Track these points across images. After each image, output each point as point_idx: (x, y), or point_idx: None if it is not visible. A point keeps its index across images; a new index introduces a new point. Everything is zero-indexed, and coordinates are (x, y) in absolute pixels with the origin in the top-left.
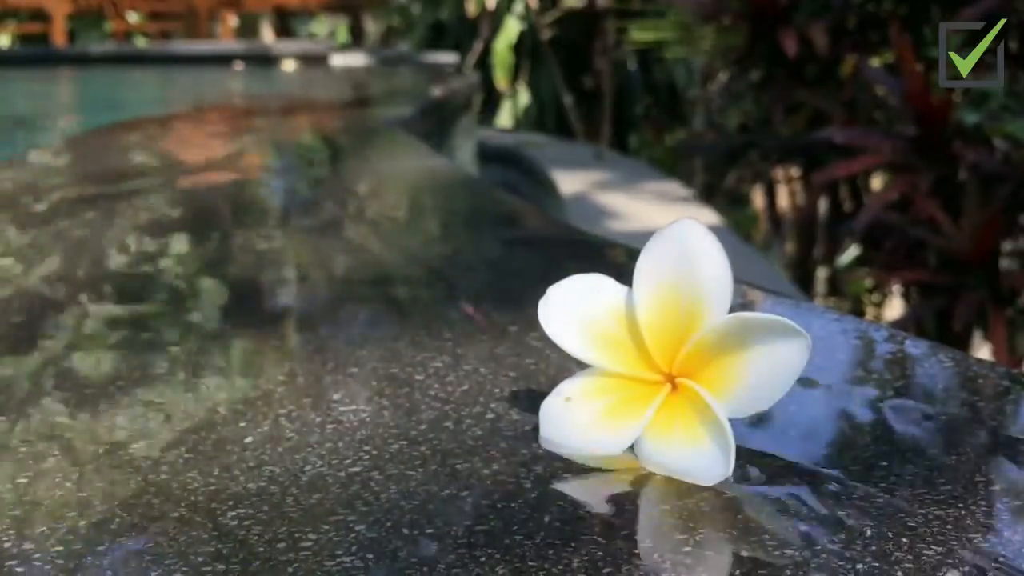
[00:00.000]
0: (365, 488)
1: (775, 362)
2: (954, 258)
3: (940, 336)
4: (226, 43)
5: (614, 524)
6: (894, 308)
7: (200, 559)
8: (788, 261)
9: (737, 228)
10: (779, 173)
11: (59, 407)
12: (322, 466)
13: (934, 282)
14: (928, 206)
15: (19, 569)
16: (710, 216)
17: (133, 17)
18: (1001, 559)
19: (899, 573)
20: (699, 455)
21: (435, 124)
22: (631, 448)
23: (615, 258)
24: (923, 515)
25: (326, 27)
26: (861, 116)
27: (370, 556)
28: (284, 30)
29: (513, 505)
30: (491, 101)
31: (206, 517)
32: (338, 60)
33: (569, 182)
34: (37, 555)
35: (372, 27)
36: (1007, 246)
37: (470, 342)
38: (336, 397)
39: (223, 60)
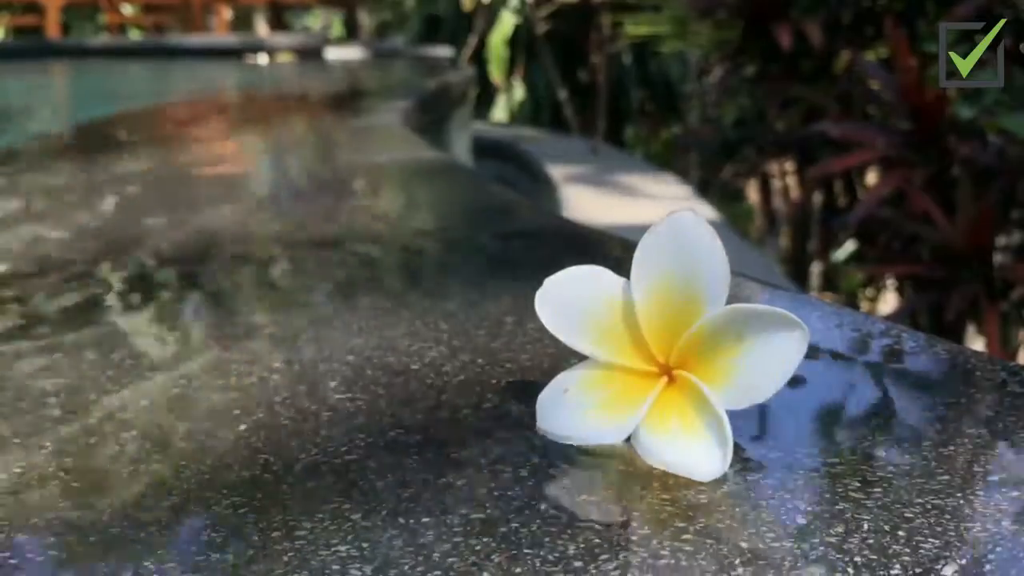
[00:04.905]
0: (361, 476)
1: (772, 353)
2: (948, 252)
3: (934, 330)
4: (221, 37)
5: (611, 513)
6: (888, 303)
7: (193, 548)
8: (783, 256)
9: (732, 223)
10: (774, 168)
11: (48, 397)
12: (317, 454)
13: (928, 276)
14: (922, 201)
15: (12, 560)
16: (705, 211)
17: (127, 10)
18: (999, 550)
19: (897, 566)
20: (697, 450)
21: (431, 118)
22: (628, 439)
23: (611, 250)
24: (921, 507)
25: (321, 21)
26: (856, 111)
27: (365, 544)
28: (279, 23)
29: (510, 494)
30: (486, 95)
31: (199, 506)
32: (333, 54)
33: (564, 176)
34: (29, 546)
35: (367, 21)
36: (1001, 240)
37: (466, 334)
38: (331, 385)
39: (218, 54)
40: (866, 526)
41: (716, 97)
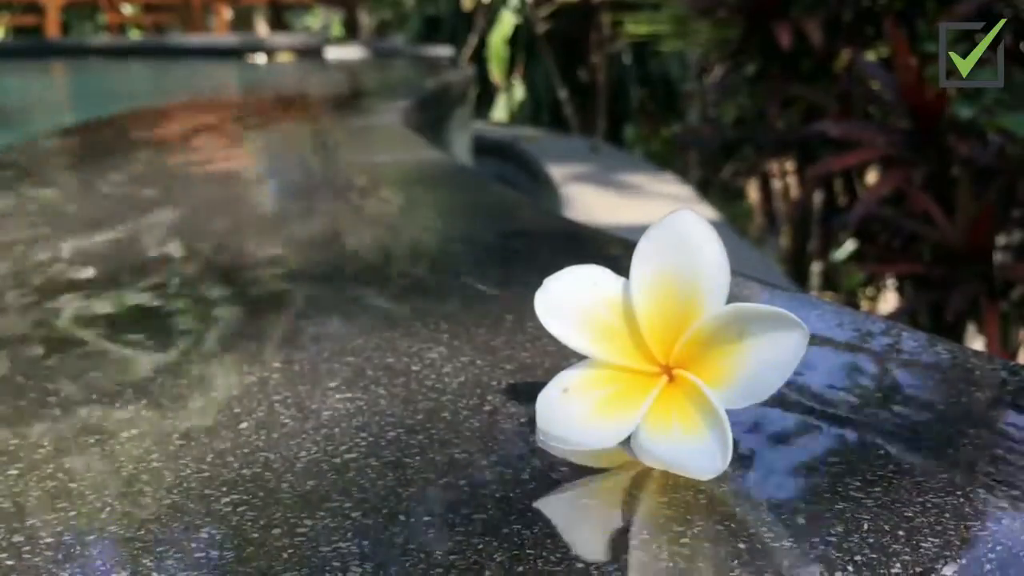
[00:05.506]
0: (361, 475)
1: (772, 353)
2: (948, 252)
3: (934, 330)
4: (221, 36)
5: (612, 514)
6: (889, 302)
7: (194, 545)
8: (783, 255)
9: (732, 222)
10: (774, 167)
11: (49, 396)
12: (317, 452)
13: (928, 275)
14: (922, 200)
15: (9, 562)
16: (705, 210)
17: (127, 9)
18: (999, 549)
19: (897, 565)
20: (696, 449)
21: (431, 117)
22: (628, 440)
23: (611, 250)
24: (921, 506)
25: (320, 20)
26: (855, 110)
27: (366, 543)
28: (279, 23)
29: (511, 495)
30: (486, 95)
31: (200, 503)
32: (333, 53)
33: (564, 175)
34: (28, 546)
35: (367, 20)
36: (1001, 240)
37: (466, 334)
38: (332, 385)
39: (218, 54)
40: (866, 525)
41: (716, 96)
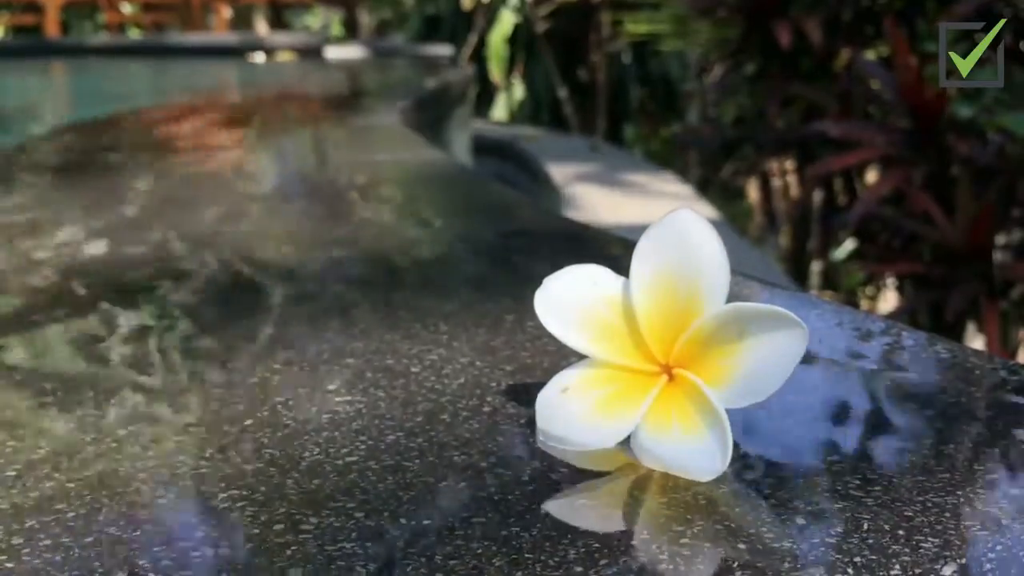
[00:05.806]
0: (362, 477)
1: (772, 352)
2: (948, 251)
3: (934, 329)
4: (220, 36)
5: (611, 516)
6: (888, 302)
7: (192, 544)
8: (782, 254)
9: (732, 221)
10: (774, 166)
11: (49, 394)
12: (319, 454)
13: (928, 275)
14: (922, 199)
15: (8, 564)
16: (705, 209)
17: (127, 8)
18: (999, 548)
19: (897, 566)
20: (696, 449)
21: (430, 117)
22: (628, 440)
23: (611, 250)
24: (921, 506)
25: (320, 19)
26: (855, 110)
27: (369, 544)
28: (278, 22)
29: (510, 497)
30: (486, 94)
31: (200, 505)
32: (333, 53)
33: (564, 175)
34: (27, 545)
35: (366, 19)
36: (1001, 239)
37: (466, 334)
38: (331, 387)
39: (218, 53)
40: (866, 525)
41: (716, 96)
